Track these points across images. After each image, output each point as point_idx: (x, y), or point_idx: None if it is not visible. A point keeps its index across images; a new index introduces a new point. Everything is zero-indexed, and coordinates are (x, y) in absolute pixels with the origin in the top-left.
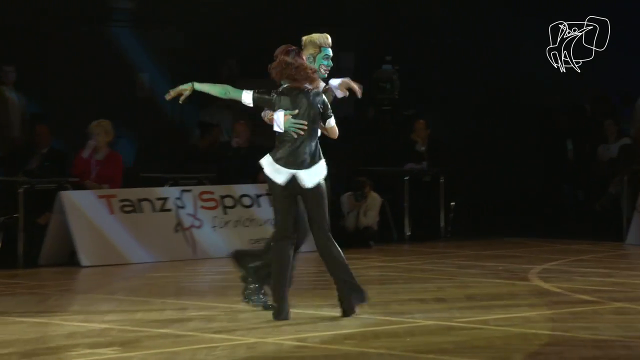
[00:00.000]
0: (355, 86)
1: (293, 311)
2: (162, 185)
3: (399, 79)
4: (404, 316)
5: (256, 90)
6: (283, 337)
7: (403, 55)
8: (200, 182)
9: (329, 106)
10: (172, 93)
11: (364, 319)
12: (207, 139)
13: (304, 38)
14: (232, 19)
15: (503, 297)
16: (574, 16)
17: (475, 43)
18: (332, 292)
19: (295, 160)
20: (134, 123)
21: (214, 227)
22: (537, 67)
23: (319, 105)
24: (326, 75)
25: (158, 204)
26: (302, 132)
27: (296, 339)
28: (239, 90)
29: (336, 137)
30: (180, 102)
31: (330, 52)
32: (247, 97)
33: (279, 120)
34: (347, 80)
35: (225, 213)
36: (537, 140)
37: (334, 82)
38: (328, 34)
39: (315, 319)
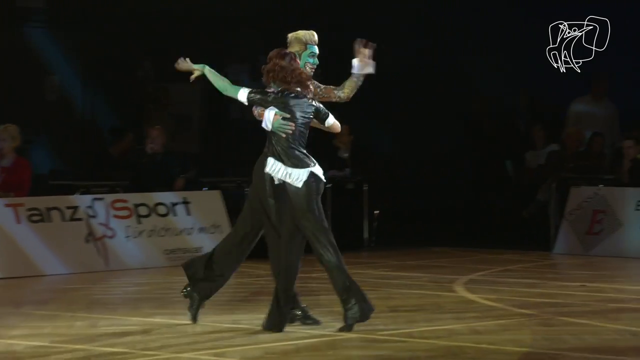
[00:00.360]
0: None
1: (210, 324)
2: (73, 193)
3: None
4: (325, 329)
5: (252, 90)
6: (200, 352)
7: (323, 57)
8: (112, 190)
9: (322, 108)
10: (182, 65)
11: (285, 332)
12: (119, 145)
13: (290, 35)
14: (146, 20)
15: (428, 309)
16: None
17: (401, 45)
18: (252, 304)
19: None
20: (44, 127)
21: (127, 237)
22: (466, 71)
23: (310, 114)
24: (312, 73)
25: (68, 212)
26: (290, 132)
27: (214, 353)
28: (236, 87)
29: (339, 130)
30: (190, 80)
31: (316, 49)
32: (242, 96)
33: (269, 118)
34: (360, 53)
35: (140, 222)
36: (466, 147)
37: (355, 64)
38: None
39: (233, 332)
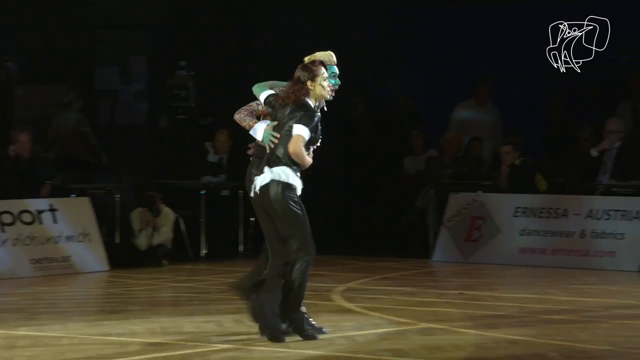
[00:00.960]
0: None
1: (79, 336)
2: None
3: (195, 86)
4: (199, 340)
5: (269, 94)
6: None
7: (201, 60)
8: None
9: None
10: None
11: (155, 343)
12: None
13: (306, 58)
14: (12, 19)
15: None
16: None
17: (279, 46)
18: (121, 314)
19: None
20: None
21: None
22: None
23: (292, 120)
24: (334, 94)
25: None
26: (274, 143)
27: None
28: (263, 87)
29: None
30: None
31: (336, 69)
32: (262, 97)
33: (259, 129)
34: None
35: (3, 231)
36: (345, 153)
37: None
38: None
39: (102, 344)
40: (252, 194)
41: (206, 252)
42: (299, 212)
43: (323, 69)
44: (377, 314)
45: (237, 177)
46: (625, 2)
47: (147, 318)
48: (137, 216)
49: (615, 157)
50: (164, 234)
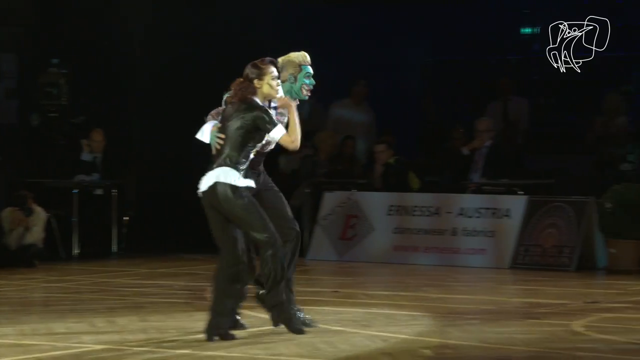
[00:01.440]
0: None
1: None
2: None
3: (68, 84)
4: (71, 341)
5: (228, 94)
6: None
7: (74, 57)
8: None
9: (265, 120)
10: None
11: (25, 344)
12: None
13: (281, 59)
14: None
15: (179, 318)
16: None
17: (152, 45)
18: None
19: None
20: None
21: None
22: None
23: (246, 122)
24: (309, 95)
25: None
26: (218, 145)
27: None
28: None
29: (293, 145)
30: None
31: (311, 70)
32: (225, 97)
33: (206, 130)
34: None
35: None
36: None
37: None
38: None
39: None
40: (200, 194)
41: (78, 251)
42: (250, 207)
43: (272, 68)
44: (252, 313)
45: (110, 176)
46: (494, 2)
47: (18, 319)
48: (7, 216)
49: (486, 156)
50: (36, 234)
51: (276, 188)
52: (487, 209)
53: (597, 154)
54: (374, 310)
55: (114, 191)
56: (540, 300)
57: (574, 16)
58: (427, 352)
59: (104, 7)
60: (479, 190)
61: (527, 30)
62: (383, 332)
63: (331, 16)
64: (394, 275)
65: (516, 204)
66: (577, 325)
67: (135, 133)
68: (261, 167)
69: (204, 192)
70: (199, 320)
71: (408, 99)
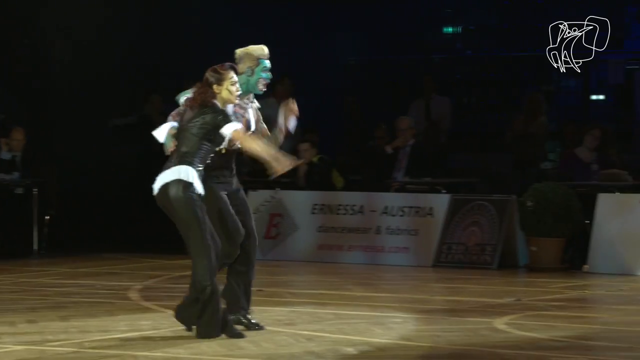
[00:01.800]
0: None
1: None
2: None
3: None
4: None
5: (186, 98)
6: None
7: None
8: None
9: (222, 119)
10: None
11: None
12: None
13: (239, 51)
14: None
15: (101, 317)
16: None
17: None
18: None
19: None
20: None
21: None
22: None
23: (206, 123)
24: (264, 89)
25: None
26: (173, 147)
27: None
28: (186, 92)
29: (244, 143)
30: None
31: (268, 64)
32: (181, 100)
33: (163, 128)
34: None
35: None
36: (143, 147)
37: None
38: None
39: None
40: (154, 194)
41: None
42: (197, 213)
43: (232, 74)
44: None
45: (31, 174)
46: (417, 2)
47: None
48: None
49: (409, 154)
50: None
51: (243, 191)
52: (411, 207)
53: (518, 152)
54: (299, 309)
55: (35, 190)
56: (462, 298)
57: (495, 16)
58: (351, 350)
59: (25, 6)
60: (402, 188)
61: (450, 29)
62: (307, 330)
63: (256, 14)
64: (319, 274)
65: (439, 203)
66: (499, 322)
67: (57, 132)
68: (234, 166)
69: (157, 191)
70: (121, 320)
71: (332, 97)
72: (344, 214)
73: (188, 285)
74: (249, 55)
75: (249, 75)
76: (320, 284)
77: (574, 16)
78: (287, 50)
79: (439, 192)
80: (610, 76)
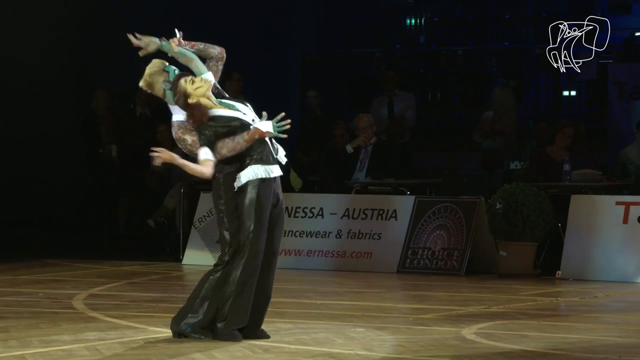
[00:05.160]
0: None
1: None
2: None
3: None
4: None
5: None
6: None
7: None
8: None
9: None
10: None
11: None
12: None
13: (146, 80)
14: None
15: (44, 328)
16: None
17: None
18: None
19: None
20: None
21: None
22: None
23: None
24: None
25: None
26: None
27: None
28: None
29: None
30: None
31: (174, 68)
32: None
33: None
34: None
35: None
36: (83, 147)
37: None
38: None
39: None
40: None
41: None
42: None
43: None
44: (123, 322)
45: None
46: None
47: None
48: None
49: (371, 154)
50: None
51: None
52: (373, 210)
53: (486, 151)
54: None
55: None
56: (428, 306)
57: (460, 7)
58: None
59: None
60: (364, 190)
61: (412, 21)
62: (264, 342)
63: (204, 6)
64: (276, 281)
65: (403, 205)
66: (468, 332)
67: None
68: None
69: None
70: (65, 331)
71: (289, 93)
72: (303, 217)
73: (129, 292)
74: (155, 73)
75: (170, 89)
76: (277, 291)
77: (540, 8)
78: (239, 44)
79: (403, 193)
80: (582, 71)
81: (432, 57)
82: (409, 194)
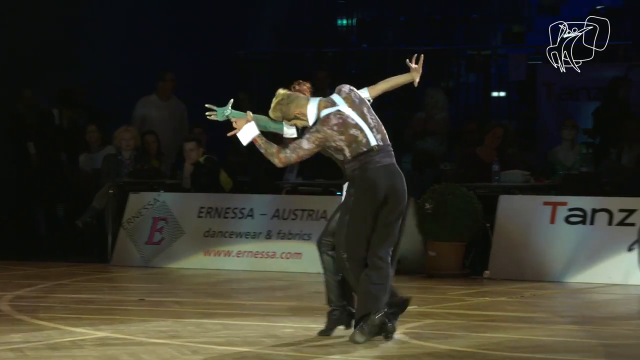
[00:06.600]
0: None
1: None
2: None
3: None
4: None
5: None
6: None
7: None
8: None
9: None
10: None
11: None
12: None
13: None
14: None
15: None
16: None
17: None
18: None
19: None
20: None
21: None
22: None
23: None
24: None
25: None
26: None
27: None
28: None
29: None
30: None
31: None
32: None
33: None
34: None
35: None
36: (6, 148)
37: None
38: None
39: None
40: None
41: None
42: None
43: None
44: (50, 324)
45: None
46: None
47: None
48: None
49: None
50: None
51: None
52: (303, 210)
53: (416, 152)
54: (184, 319)
55: None
56: None
57: (392, 8)
58: None
59: None
60: (294, 190)
61: (344, 22)
62: (193, 342)
63: (133, 5)
64: (205, 282)
65: (333, 205)
66: (397, 332)
67: None
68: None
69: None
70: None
71: (220, 93)
72: (233, 217)
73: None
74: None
75: None
76: (206, 292)
77: (471, 8)
78: (170, 44)
79: (333, 194)
80: (511, 72)
81: (363, 58)
82: (340, 195)
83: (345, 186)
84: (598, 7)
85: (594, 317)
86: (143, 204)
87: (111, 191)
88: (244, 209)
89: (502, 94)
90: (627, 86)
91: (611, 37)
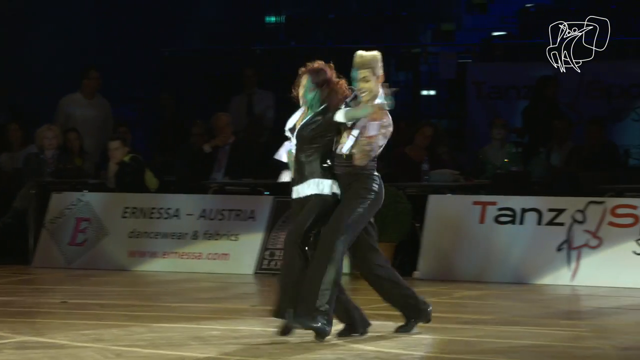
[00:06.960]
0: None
1: None
2: None
3: None
4: None
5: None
6: None
7: None
8: None
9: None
10: None
11: None
12: None
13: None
14: None
15: None
16: None
17: None
18: None
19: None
20: None
21: None
22: None
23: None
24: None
25: None
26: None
27: None
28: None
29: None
30: None
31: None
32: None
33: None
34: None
35: None
36: None
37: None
38: None
39: None
40: None
41: None
42: None
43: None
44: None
45: None
46: None
47: None
48: None
49: (229, 153)
50: None
51: None
52: (231, 210)
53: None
54: (107, 322)
55: None
56: None
57: (321, 6)
58: None
59: None
60: (221, 190)
61: (272, 19)
62: (116, 346)
63: (56, 1)
64: (130, 283)
65: (261, 205)
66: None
67: None
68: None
69: None
70: None
71: (145, 91)
72: (158, 217)
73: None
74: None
75: None
76: (131, 294)
77: (401, 6)
78: (95, 40)
79: (261, 194)
80: (441, 70)
81: (292, 56)
82: (268, 194)
83: (309, 184)
84: (527, 5)
85: (523, 317)
86: (66, 204)
87: (33, 191)
88: (169, 209)
89: (432, 92)
90: (555, 85)
91: (542, 36)
